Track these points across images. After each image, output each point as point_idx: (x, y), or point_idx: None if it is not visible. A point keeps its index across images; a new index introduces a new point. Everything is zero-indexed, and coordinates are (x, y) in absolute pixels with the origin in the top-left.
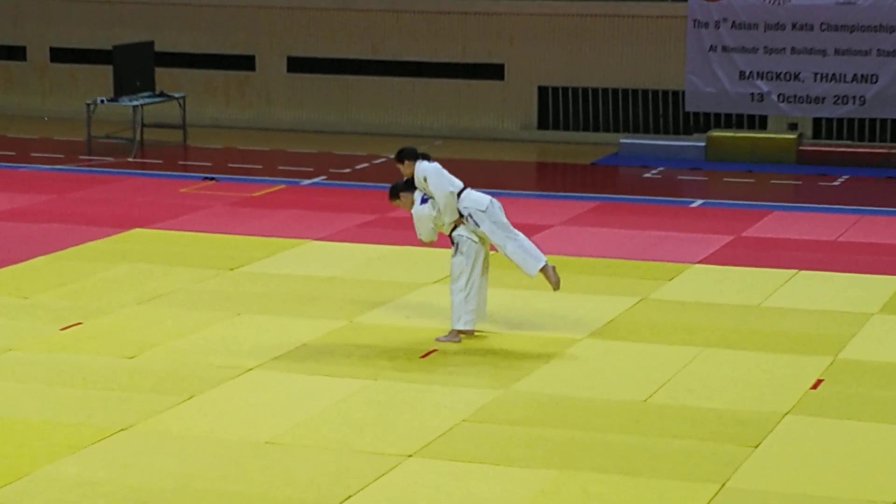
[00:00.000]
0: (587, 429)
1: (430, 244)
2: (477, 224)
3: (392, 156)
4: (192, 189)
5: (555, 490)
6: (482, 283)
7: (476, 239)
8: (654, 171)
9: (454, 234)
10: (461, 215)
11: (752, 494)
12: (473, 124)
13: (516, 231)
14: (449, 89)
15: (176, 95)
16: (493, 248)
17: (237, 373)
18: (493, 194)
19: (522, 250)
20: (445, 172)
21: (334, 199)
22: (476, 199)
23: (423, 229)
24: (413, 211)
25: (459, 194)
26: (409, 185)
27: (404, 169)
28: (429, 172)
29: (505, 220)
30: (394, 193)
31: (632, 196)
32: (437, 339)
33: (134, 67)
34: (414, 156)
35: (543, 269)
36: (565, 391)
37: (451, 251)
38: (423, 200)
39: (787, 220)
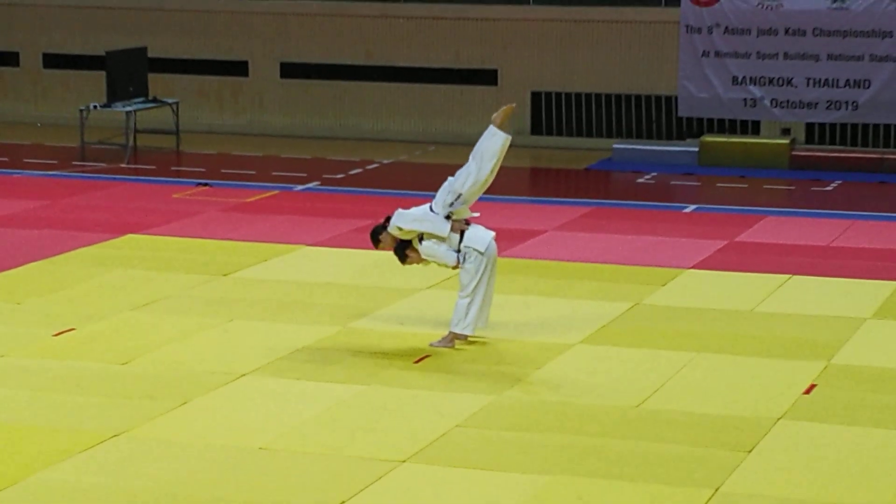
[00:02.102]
0: (580, 434)
1: (459, 264)
2: (461, 197)
3: (386, 161)
4: (186, 195)
5: (548, 495)
6: (487, 292)
7: (483, 250)
8: (647, 177)
9: (462, 246)
10: (449, 217)
11: (745, 499)
12: (467, 130)
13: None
14: (442, 95)
15: (169, 101)
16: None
17: (230, 379)
18: (485, 199)
19: (482, 141)
20: (407, 211)
21: (328, 205)
22: (440, 197)
23: (441, 256)
24: (423, 253)
25: (432, 211)
26: (404, 243)
27: (385, 242)
28: (399, 223)
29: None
30: (401, 256)
31: (625, 201)
32: (431, 345)
33: (127, 73)
34: (382, 227)
35: (495, 121)
36: (558, 396)
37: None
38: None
39: (780, 226)
